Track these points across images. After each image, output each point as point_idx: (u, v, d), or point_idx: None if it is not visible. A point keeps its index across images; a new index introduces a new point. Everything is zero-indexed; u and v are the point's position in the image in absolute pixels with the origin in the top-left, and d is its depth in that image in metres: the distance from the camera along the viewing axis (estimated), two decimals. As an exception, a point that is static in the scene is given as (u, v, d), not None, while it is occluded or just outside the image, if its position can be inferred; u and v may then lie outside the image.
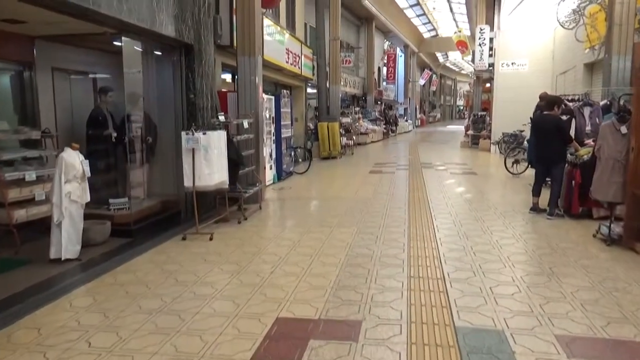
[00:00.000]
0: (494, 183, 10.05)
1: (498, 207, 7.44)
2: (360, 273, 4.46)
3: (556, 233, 5.90)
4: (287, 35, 12.83)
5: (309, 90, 17.99)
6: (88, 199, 5.36)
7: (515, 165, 10.74)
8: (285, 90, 11.06)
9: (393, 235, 5.79)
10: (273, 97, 10.57)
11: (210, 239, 5.88)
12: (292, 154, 11.89)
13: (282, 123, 10.96)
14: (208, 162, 6.01)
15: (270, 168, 10.40)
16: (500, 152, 16.04)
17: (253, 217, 7.09)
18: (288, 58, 12.95)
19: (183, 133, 5.91)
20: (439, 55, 50.90)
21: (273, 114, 10.53)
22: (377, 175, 11.32)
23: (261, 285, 4.23)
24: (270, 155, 10.42)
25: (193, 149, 5.89)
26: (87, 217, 6.01)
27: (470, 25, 27.94)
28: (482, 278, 4.29)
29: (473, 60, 36.98)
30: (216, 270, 4.68)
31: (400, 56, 35.23)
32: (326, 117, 16.46)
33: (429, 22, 36.08)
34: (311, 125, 16.92)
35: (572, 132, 8.54)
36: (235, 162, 6.66)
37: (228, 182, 6.55)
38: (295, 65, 13.92)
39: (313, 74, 16.60)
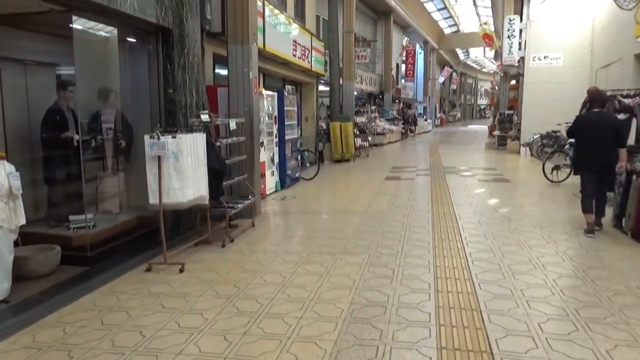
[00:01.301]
0: (532, 193, 8.59)
1: (544, 227, 6.02)
2: (368, 338, 3.13)
3: (630, 266, 4.48)
4: (294, 25, 11.54)
5: (321, 87, 16.69)
6: (22, 221, 4.16)
7: (555, 171, 9.26)
8: (290, 87, 9.78)
9: (414, 271, 4.44)
10: (275, 94, 9.29)
11: (181, 270, 4.62)
12: (299, 157, 10.60)
13: (286, 123, 9.68)
14: (179, 173, 4.75)
15: (272, 174, 9.12)
16: (532, 155, 14.53)
17: (242, 238, 5.82)
18: (295, 51, 11.66)
19: (146, 137, 4.66)
20: (459, 52, 49.11)
21: (275, 113, 9.26)
22: (394, 183, 9.95)
23: (227, 356, 2.94)
24: (272, 160, 9.15)
25: (159, 157, 4.65)
26: (39, 239, 4.89)
27: (494, 19, 26.28)
28: (546, 350, 2.93)
29: (495, 58, 35.16)
30: (172, 325, 3.41)
31: (420, 53, 33.65)
32: (339, 116, 15.14)
33: (450, 16, 34.41)
34: (323, 125, 15.62)
35: (632, 133, 7.11)
36: (217, 171, 5.38)
37: (209, 197, 5.29)
38: (304, 60, 12.62)
39: (325, 70, 15.29)
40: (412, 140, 24.28)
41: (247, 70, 6.80)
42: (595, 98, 5.98)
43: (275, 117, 9.22)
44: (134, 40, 6.10)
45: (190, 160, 4.87)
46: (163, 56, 6.08)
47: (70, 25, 5.04)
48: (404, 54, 29.73)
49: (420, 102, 35.30)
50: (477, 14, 32.23)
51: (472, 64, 61.24)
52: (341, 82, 15.42)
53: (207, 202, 5.31)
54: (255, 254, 5.16)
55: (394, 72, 27.27)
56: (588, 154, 5.75)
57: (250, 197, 6.54)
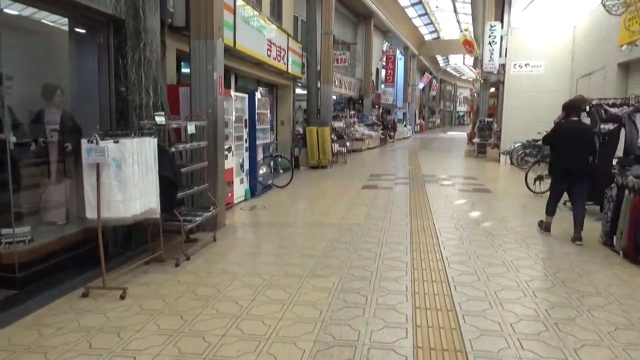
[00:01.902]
0: (514, 205, 8.17)
1: (530, 244, 5.57)
2: (332, 392, 2.57)
3: (628, 293, 4.03)
4: (269, 24, 10.96)
5: (299, 90, 16.14)
6: None
7: (538, 182, 8.87)
8: (262, 88, 9.20)
9: (390, 299, 3.90)
10: (246, 96, 8.68)
11: (122, 297, 3.98)
12: (272, 163, 10.01)
13: (258, 127, 9.08)
14: (122, 184, 4.11)
15: (241, 182, 8.51)
16: (512, 164, 14.23)
17: (200, 255, 5.20)
18: (270, 51, 11.08)
19: (83, 141, 4.02)
20: (439, 59, 49.25)
21: (246, 116, 8.65)
22: (371, 192, 9.43)
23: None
24: (242, 167, 8.54)
25: (98, 165, 4.01)
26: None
27: (474, 26, 26.18)
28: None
29: (475, 65, 35.16)
30: (93, 373, 2.79)
31: (400, 59, 33.43)
32: (316, 120, 14.60)
33: (431, 22, 34.32)
34: (300, 130, 15.06)
35: (620, 144, 6.75)
36: (170, 181, 4.76)
37: (160, 209, 4.67)
38: (279, 61, 12.05)
39: (303, 72, 14.76)
40: (392, 147, 23.91)
41: (211, 69, 6.19)
42: (572, 107, 6.03)
43: (245, 121, 8.62)
44: (81, 31, 5.44)
45: (136, 168, 4.24)
46: (114, 50, 5.43)
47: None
48: (384, 59, 29.43)
49: (399, 108, 35.07)
50: (458, 20, 32.20)
51: (452, 71, 61.63)
52: (319, 85, 14.90)
53: (157, 216, 4.69)
54: (212, 275, 4.55)
55: (373, 77, 26.92)
56: (566, 163, 5.82)
57: (211, 208, 5.93)
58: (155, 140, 4.60)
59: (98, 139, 3.95)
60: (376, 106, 27.62)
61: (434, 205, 7.98)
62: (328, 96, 15.12)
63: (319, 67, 15.04)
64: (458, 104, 73.33)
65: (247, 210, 7.73)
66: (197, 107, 6.24)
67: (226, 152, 7.64)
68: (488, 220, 6.92)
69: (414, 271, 4.57)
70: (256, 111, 8.95)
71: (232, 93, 7.91)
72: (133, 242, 5.53)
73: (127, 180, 4.12)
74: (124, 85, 5.51)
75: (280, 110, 14.52)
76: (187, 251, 5.16)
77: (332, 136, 15.01)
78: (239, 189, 8.44)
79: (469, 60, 49.70)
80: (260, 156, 9.26)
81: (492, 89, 22.05)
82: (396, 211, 7.49)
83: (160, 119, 5.16)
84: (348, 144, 17.28)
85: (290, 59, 13.06)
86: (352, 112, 20.94)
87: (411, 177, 11.66)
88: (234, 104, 8.05)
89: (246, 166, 8.75)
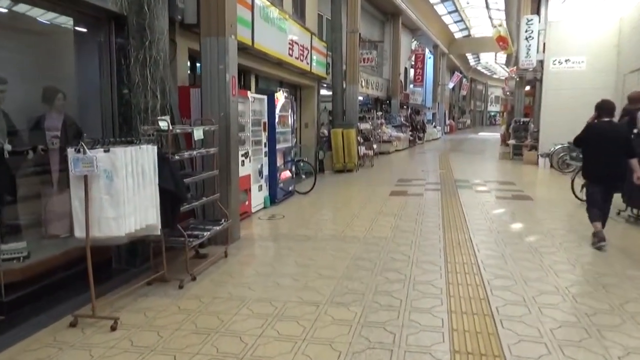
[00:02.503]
0: (560, 215, 7.34)
1: (585, 265, 4.82)
2: None
3: None
4: (290, 21, 10.43)
5: (324, 92, 15.58)
6: None
7: (586, 189, 8.00)
8: (283, 89, 8.66)
9: (423, 337, 3.25)
10: (265, 97, 8.16)
11: (113, 328, 3.48)
12: (293, 168, 9.45)
13: (278, 130, 8.54)
14: (114, 198, 3.61)
15: (260, 189, 7.98)
16: (552, 167, 13.27)
17: (207, 274, 4.68)
18: (292, 50, 10.55)
19: (70, 150, 3.53)
20: (470, 57, 47.86)
21: (265, 119, 8.13)
22: (399, 199, 8.75)
23: None
24: (260, 173, 8.01)
25: (86, 177, 3.52)
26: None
27: (508, 22, 25.04)
28: None
29: (507, 63, 33.77)
30: None
31: (429, 57, 32.46)
32: (341, 122, 13.98)
33: (461, 19, 33.20)
34: (325, 132, 14.49)
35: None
36: (172, 194, 4.25)
37: (161, 225, 4.16)
38: (302, 60, 11.51)
39: (327, 72, 14.18)
40: (421, 149, 23.06)
41: (223, 68, 5.67)
42: (603, 107, 5.76)
43: (264, 124, 8.09)
44: (80, 29, 5.01)
45: (131, 181, 3.73)
46: (117, 50, 4.99)
47: None
48: (413, 58, 28.57)
49: (429, 108, 34.07)
50: (490, 17, 31.01)
51: (483, 70, 59.91)
52: (344, 85, 14.28)
53: (158, 233, 4.18)
54: (217, 301, 4.00)
55: (402, 77, 26.12)
56: (599, 165, 5.58)
57: (223, 221, 5.40)
58: (155, 148, 4.09)
59: (85, 147, 3.45)
60: (404, 107, 26.79)
61: (469, 215, 7.26)
62: (354, 97, 14.49)
63: (344, 67, 14.43)
64: (489, 103, 71.36)
65: (265, 220, 7.19)
66: (208, 110, 5.73)
67: (242, 158, 7.14)
68: (532, 233, 6.16)
69: (451, 299, 3.91)
70: (276, 113, 8.42)
71: (250, 94, 7.39)
72: (138, 258, 5.07)
73: (119, 194, 3.61)
74: (126, 88, 5.06)
75: (304, 112, 13.99)
76: (193, 270, 4.64)
77: (358, 138, 14.38)
78: (258, 196, 7.92)
79: (501, 58, 48.12)
80: (280, 161, 8.71)
81: (527, 87, 20.96)
82: (427, 222, 6.80)
83: (163, 124, 4.66)
84: (375, 146, 16.61)
85: (314, 59, 12.51)
86: (380, 113, 20.22)
87: (443, 182, 10.91)
88: (252, 106, 7.54)
89: (265, 172, 8.22)
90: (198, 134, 4.92)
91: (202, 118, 5.62)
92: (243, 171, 7.18)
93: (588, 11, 13.99)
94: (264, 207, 8.10)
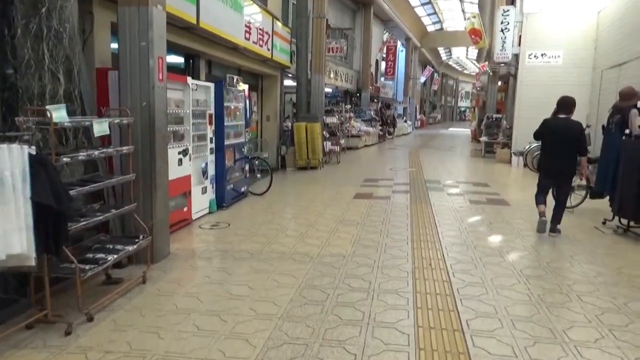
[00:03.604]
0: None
1: (584, 295, 3.98)
2: None
3: None
4: (248, 1, 9.29)
5: (289, 82, 14.51)
6: None
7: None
8: (234, 76, 7.56)
9: None
10: (211, 85, 7.06)
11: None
12: (246, 166, 8.39)
13: (227, 123, 7.46)
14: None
15: (204, 192, 6.90)
16: (527, 166, 12.63)
17: (111, 312, 3.61)
18: (249, 34, 9.43)
19: None
20: (441, 52, 47.52)
21: (211, 110, 7.03)
22: (364, 203, 7.82)
23: None
24: (204, 173, 6.93)
25: None
26: None
27: (481, 16, 24.45)
28: None
29: (479, 58, 33.34)
30: None
31: (401, 51, 31.71)
32: (305, 115, 12.97)
33: (434, 12, 32.57)
34: (289, 125, 13.45)
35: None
36: (53, 210, 3.15)
37: (42, 251, 3.08)
38: (262, 46, 10.41)
39: (292, 61, 13.11)
40: (391, 144, 22.27)
41: (145, 46, 4.56)
42: (565, 103, 5.86)
43: (210, 116, 7.00)
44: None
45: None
46: (-3, 16, 3.83)
47: None
48: (385, 49, 27.72)
49: (400, 103, 33.42)
50: (463, 10, 30.47)
51: (454, 65, 59.91)
52: (309, 75, 13.25)
53: (32, 263, 3.09)
54: (109, 359, 2.95)
55: (373, 69, 25.24)
56: (550, 160, 5.86)
57: (141, 237, 4.32)
58: (26, 148, 2.99)
59: None
60: (375, 100, 25.97)
61: (441, 224, 6.38)
62: (320, 88, 13.47)
63: (310, 56, 13.39)
64: (460, 99, 71.63)
65: (206, 230, 6.13)
66: (127, 97, 4.62)
67: (180, 156, 6.05)
68: (514, 249, 5.31)
69: (421, 353, 2.97)
70: (225, 104, 7.33)
71: (190, 81, 6.28)
72: (30, 286, 3.95)
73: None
74: (11, 67, 3.91)
75: (265, 103, 12.89)
76: (92, 306, 3.57)
77: (324, 133, 13.41)
78: (201, 200, 6.84)
79: (472, 53, 47.94)
80: (230, 159, 7.64)
81: (500, 83, 20.41)
82: (394, 233, 5.88)
83: (58, 114, 3.55)
84: (342, 141, 15.68)
85: (276, 45, 11.42)
86: (349, 107, 19.28)
87: (412, 183, 10.05)
88: (193, 94, 6.43)
89: (211, 172, 7.14)
90: (99, 128, 3.81)
91: (112, 108, 4.51)
92: (181, 172, 6.11)
93: (566, 4, 13.35)
94: (210, 212, 7.03)
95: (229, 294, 3.97)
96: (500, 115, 17.73)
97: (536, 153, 12.06)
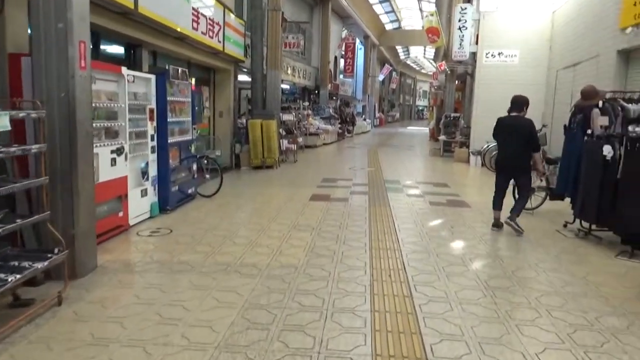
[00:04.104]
0: (505, 229, 6.28)
1: (553, 309, 3.67)
2: None
3: None
4: (195, -12, 8.64)
5: (244, 77, 13.89)
6: None
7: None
8: (178, 68, 6.92)
9: None
10: (152, 77, 6.41)
11: None
12: (194, 166, 7.76)
13: (171, 119, 6.82)
14: None
15: (144, 194, 6.25)
16: (485, 165, 12.57)
17: (10, 346, 2.98)
18: (197, 23, 8.78)
19: None
20: (399, 51, 47.86)
21: (152, 105, 6.38)
22: (321, 205, 7.38)
23: None
24: (144, 174, 6.28)
25: None
26: None
27: (439, 15, 24.54)
28: None
29: (436, 58, 33.67)
30: None
31: (360, 48, 31.57)
32: (261, 112, 12.40)
33: (392, 10, 32.60)
34: (244, 122, 12.84)
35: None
36: None
37: None
38: (212, 37, 9.76)
39: (246, 55, 12.50)
40: (350, 142, 21.98)
41: (62, 28, 3.91)
42: (516, 102, 6.04)
43: (151, 111, 6.35)
44: None
45: None
46: None
47: None
48: (344, 46, 27.43)
49: (359, 101, 33.28)
50: (420, 9, 30.60)
51: (412, 64, 60.61)
52: (265, 70, 12.68)
53: None
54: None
55: (331, 66, 24.89)
56: (503, 156, 6.16)
57: (56, 251, 3.68)
58: None
59: None
60: (334, 97, 25.65)
61: (401, 229, 6.01)
62: (276, 84, 12.93)
63: (265, 50, 12.82)
64: (417, 97, 72.68)
65: (144, 237, 5.50)
66: (42, 87, 3.96)
67: (113, 155, 5.39)
68: (478, 257, 4.99)
69: (379, 391, 2.54)
70: (169, 98, 6.70)
71: (125, 71, 5.61)
72: None
73: None
74: None
75: (218, 99, 12.25)
76: (-18, 341, 2.93)
77: (280, 131, 12.88)
78: (141, 203, 6.19)
79: (430, 53, 48.55)
80: (174, 158, 7.00)
81: (457, 82, 20.51)
82: (351, 240, 5.46)
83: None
84: (300, 139, 15.21)
85: (228, 37, 10.79)
86: (306, 104, 18.81)
87: (371, 184, 9.70)
88: (130, 87, 5.77)
89: (152, 172, 6.49)
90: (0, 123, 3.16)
91: (25, 100, 3.85)
92: (114, 172, 5.45)
93: (522, 3, 13.38)
94: (151, 217, 6.39)
95: (160, 317, 3.41)
96: (457, 114, 17.75)
97: (494, 153, 12.03)
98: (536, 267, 4.68)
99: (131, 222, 5.90)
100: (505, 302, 3.77)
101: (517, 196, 6.21)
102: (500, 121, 6.12)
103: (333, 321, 3.35)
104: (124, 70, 5.60)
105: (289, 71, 18.58)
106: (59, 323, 3.33)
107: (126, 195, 5.74)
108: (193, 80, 7.63)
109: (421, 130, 34.73)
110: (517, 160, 5.93)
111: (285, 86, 19.62)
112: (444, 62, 30.11)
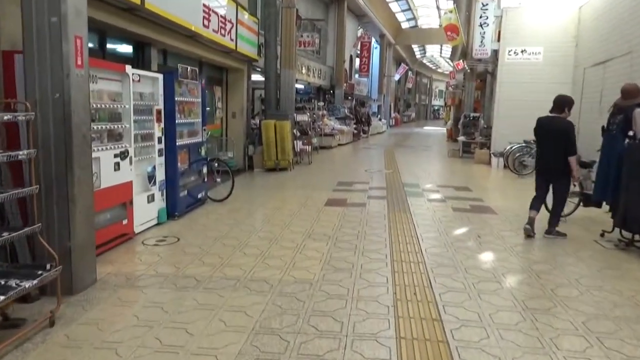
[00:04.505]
0: (537, 239, 5.81)
1: (604, 337, 3.22)
2: None
3: None
4: (206, -16, 8.32)
5: (258, 77, 13.57)
6: None
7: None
8: (185, 66, 6.58)
9: None
10: (159, 76, 6.08)
11: None
12: (204, 169, 7.43)
13: (180, 121, 6.49)
14: None
15: (151, 200, 5.93)
16: (507, 167, 12.03)
17: (-11, 377, 2.65)
18: (209, 20, 8.45)
19: None
20: (416, 50, 47.17)
21: (159, 106, 6.06)
22: (337, 211, 6.98)
23: None
24: (151, 178, 5.96)
25: None
26: None
27: (458, 12, 23.94)
28: None
29: (453, 57, 33.02)
30: None
31: (376, 48, 31.08)
32: (274, 112, 12.05)
33: (409, 8, 32.00)
34: (257, 123, 12.52)
35: None
36: None
37: None
38: (224, 35, 9.44)
39: (260, 55, 12.17)
40: (365, 143, 21.52)
41: (56, 22, 3.58)
42: (556, 102, 5.78)
43: (158, 112, 6.03)
44: None
45: None
46: None
47: None
48: (359, 45, 26.97)
49: (374, 100, 32.77)
50: (438, 6, 29.96)
51: (428, 63, 59.82)
52: (278, 70, 12.31)
53: None
54: None
55: (347, 66, 24.46)
56: (539, 158, 5.95)
57: (48, 267, 3.35)
58: None
59: None
60: (349, 97, 25.21)
61: (424, 239, 5.58)
62: (290, 84, 12.56)
63: (279, 49, 12.46)
64: (433, 97, 71.80)
65: (149, 246, 5.17)
66: (34, 86, 3.64)
67: (117, 160, 5.07)
68: (511, 272, 4.54)
69: None
70: (177, 98, 6.37)
71: (129, 70, 5.29)
72: None
73: None
74: None
75: (231, 99, 11.92)
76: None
77: (294, 132, 12.52)
78: (148, 209, 5.87)
79: (446, 52, 47.79)
80: (182, 161, 6.67)
81: (477, 81, 19.92)
82: (371, 251, 5.05)
83: None
84: (314, 140, 14.83)
85: (241, 36, 10.46)
86: (321, 104, 18.43)
87: (389, 187, 9.27)
88: (135, 87, 5.45)
89: (160, 177, 6.17)
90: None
91: (19, 101, 3.53)
92: (118, 178, 5.13)
93: (546, -2, 12.83)
94: (158, 224, 6.07)
95: (159, 343, 3.05)
96: (477, 114, 17.19)
97: (518, 154, 11.50)
98: (577, 284, 4.21)
99: (137, 229, 5.58)
100: (548, 327, 3.33)
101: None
102: (538, 121, 5.88)
103: (354, 351, 2.95)
104: (129, 69, 5.28)
105: (304, 70, 18.22)
106: (48, 349, 2.99)
107: (131, 202, 5.41)
108: (203, 81, 7.28)
109: (437, 130, 34.09)
110: (551, 163, 5.67)
111: (299, 86, 19.27)
112: (461, 60, 29.48)
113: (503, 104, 13.15)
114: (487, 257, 5.00)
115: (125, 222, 5.31)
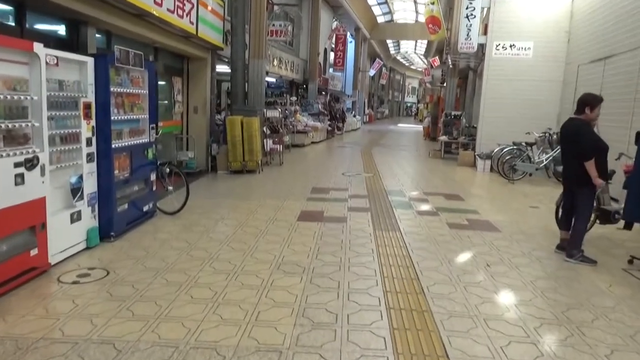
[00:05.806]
0: (551, 269, 4.80)
1: None
2: None
3: None
4: (158, -46, 6.98)
5: (224, 68, 12.25)
6: None
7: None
8: (127, 50, 5.25)
9: None
10: (88, 60, 4.76)
11: None
12: (152, 177, 6.13)
13: (117, 117, 5.18)
14: None
15: (76, 219, 4.62)
16: (494, 171, 11.14)
17: None
18: (162, -2, 7.12)
19: None
20: (390, 45, 46.38)
21: (89, 99, 4.74)
22: (312, 229, 5.81)
23: None
24: (77, 191, 4.65)
25: None
26: None
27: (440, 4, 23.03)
28: None
29: (427, 53, 32.14)
30: None
31: (351, 42, 29.97)
32: (242, 108, 10.77)
33: (385, 2, 31.01)
34: (223, 119, 11.22)
35: None
36: None
37: None
38: (182, 17, 8.12)
39: (226, 43, 10.86)
40: (340, 141, 20.39)
41: None
42: (578, 101, 4.99)
43: (86, 106, 4.71)
44: None
45: None
46: None
47: None
48: (334, 38, 25.82)
49: (349, 96, 31.72)
50: (415, 1, 29.08)
51: (402, 60, 59.20)
52: (247, 60, 11.03)
53: None
54: None
55: (321, 59, 23.27)
56: (562, 165, 5.35)
57: None
58: None
59: None
60: (323, 92, 24.06)
61: (423, 271, 4.47)
62: (259, 76, 11.28)
63: (248, 37, 11.17)
64: (406, 94, 71.43)
65: (65, 285, 3.88)
66: None
67: (20, 170, 3.76)
68: (545, 325, 3.47)
69: None
70: (113, 89, 5.06)
71: (39, 48, 3.95)
72: None
73: None
74: None
75: (193, 92, 10.59)
76: None
77: (264, 129, 11.28)
78: (70, 232, 4.56)
79: (420, 48, 47.16)
80: (121, 168, 5.37)
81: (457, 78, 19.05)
82: (358, 292, 3.90)
83: None
84: (286, 138, 13.62)
85: (203, 19, 9.14)
86: (294, 99, 17.22)
87: (371, 195, 8.16)
88: (51, 72, 4.13)
89: (90, 189, 4.85)
90: None
91: None
92: (22, 195, 3.81)
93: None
94: (87, 247, 4.77)
95: None
96: (459, 113, 16.30)
97: (507, 157, 10.60)
98: (633, 341, 3.18)
99: (54, 259, 4.28)
100: None
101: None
102: (563, 125, 5.25)
103: None
104: (39, 47, 3.93)
105: (275, 62, 16.95)
106: None
107: (44, 225, 4.10)
108: (154, 68, 5.99)
109: (412, 127, 33.36)
110: (567, 171, 5.15)
111: (270, 79, 18.01)
112: (437, 57, 28.71)
113: (489, 102, 12.25)
114: (506, 299, 3.91)
115: (34, 252, 4.00)
